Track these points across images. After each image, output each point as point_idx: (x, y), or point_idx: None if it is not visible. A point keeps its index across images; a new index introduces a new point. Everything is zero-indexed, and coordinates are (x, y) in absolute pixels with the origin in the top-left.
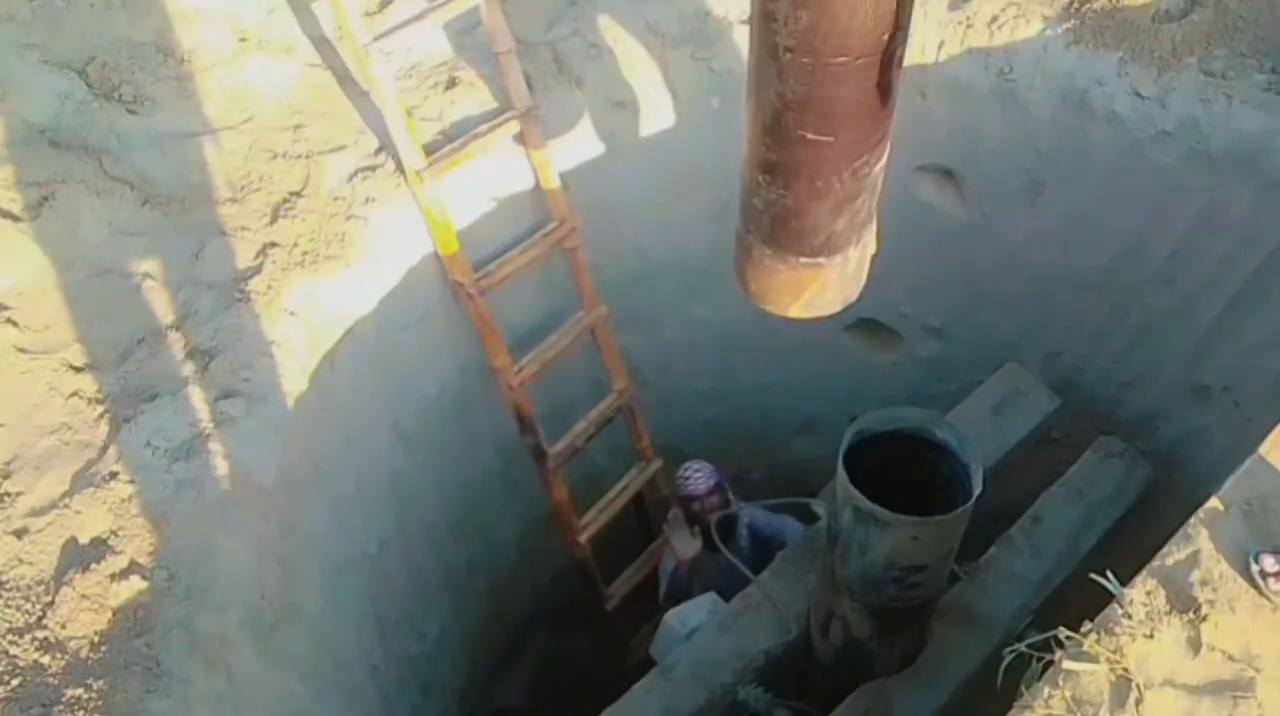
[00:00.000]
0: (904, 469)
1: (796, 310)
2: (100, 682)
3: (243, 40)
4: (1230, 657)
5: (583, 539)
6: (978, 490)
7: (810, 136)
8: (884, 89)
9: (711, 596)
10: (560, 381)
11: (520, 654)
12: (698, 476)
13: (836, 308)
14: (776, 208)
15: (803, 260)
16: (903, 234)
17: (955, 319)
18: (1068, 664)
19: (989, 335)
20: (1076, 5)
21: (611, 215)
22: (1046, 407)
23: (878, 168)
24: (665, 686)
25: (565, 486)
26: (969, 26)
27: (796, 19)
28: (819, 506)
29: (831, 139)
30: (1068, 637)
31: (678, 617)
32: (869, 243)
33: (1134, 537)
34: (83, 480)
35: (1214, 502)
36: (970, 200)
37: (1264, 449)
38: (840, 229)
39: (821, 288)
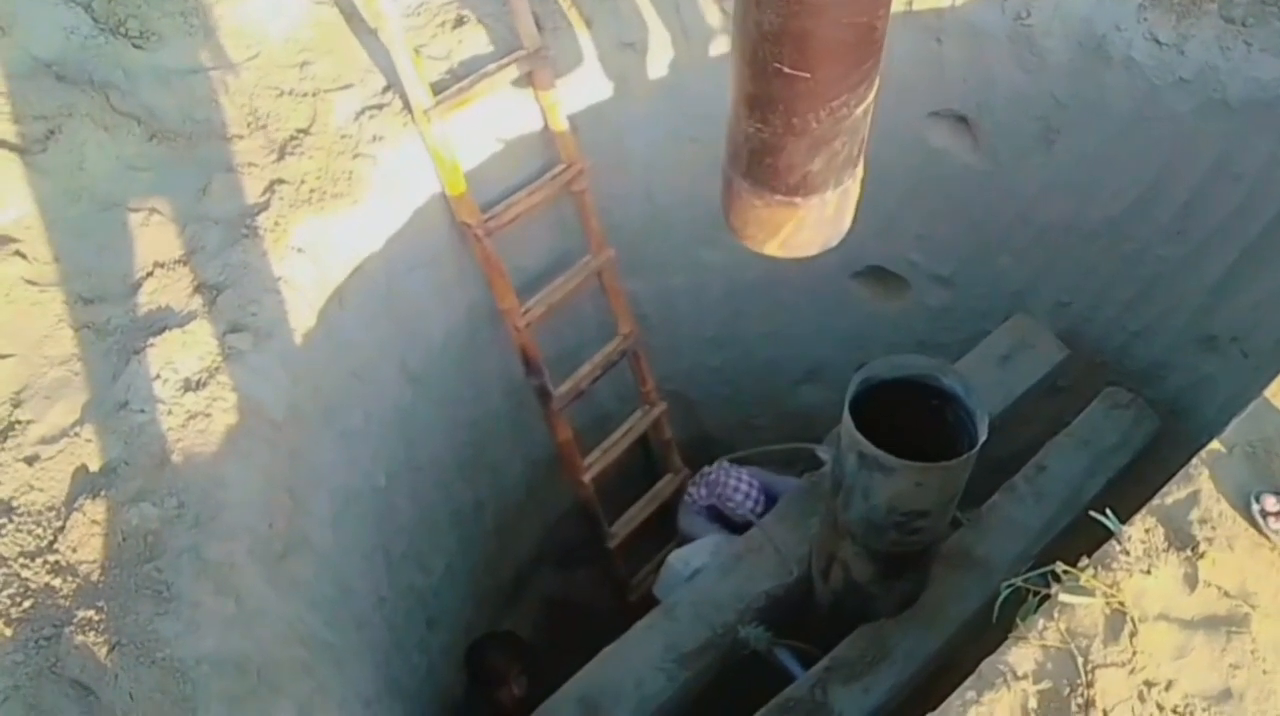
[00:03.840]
0: (910, 415)
1: (773, 248)
2: (110, 605)
3: None
4: (1226, 594)
5: (586, 478)
6: (982, 437)
7: (786, 70)
8: (863, 28)
9: (715, 538)
10: (567, 324)
11: (526, 592)
12: (748, 501)
13: (814, 250)
14: (754, 142)
15: (779, 198)
16: (914, 181)
17: (964, 267)
18: (1064, 596)
19: (998, 284)
20: None
21: (620, 159)
22: (1054, 358)
23: (859, 110)
24: (668, 624)
25: (570, 427)
26: None
27: None
28: (823, 452)
29: (808, 75)
30: (1064, 572)
31: (681, 558)
32: (850, 188)
33: (1138, 486)
34: (93, 410)
35: (1216, 444)
36: (984, 147)
37: (1270, 392)
38: (817, 169)
39: (797, 227)
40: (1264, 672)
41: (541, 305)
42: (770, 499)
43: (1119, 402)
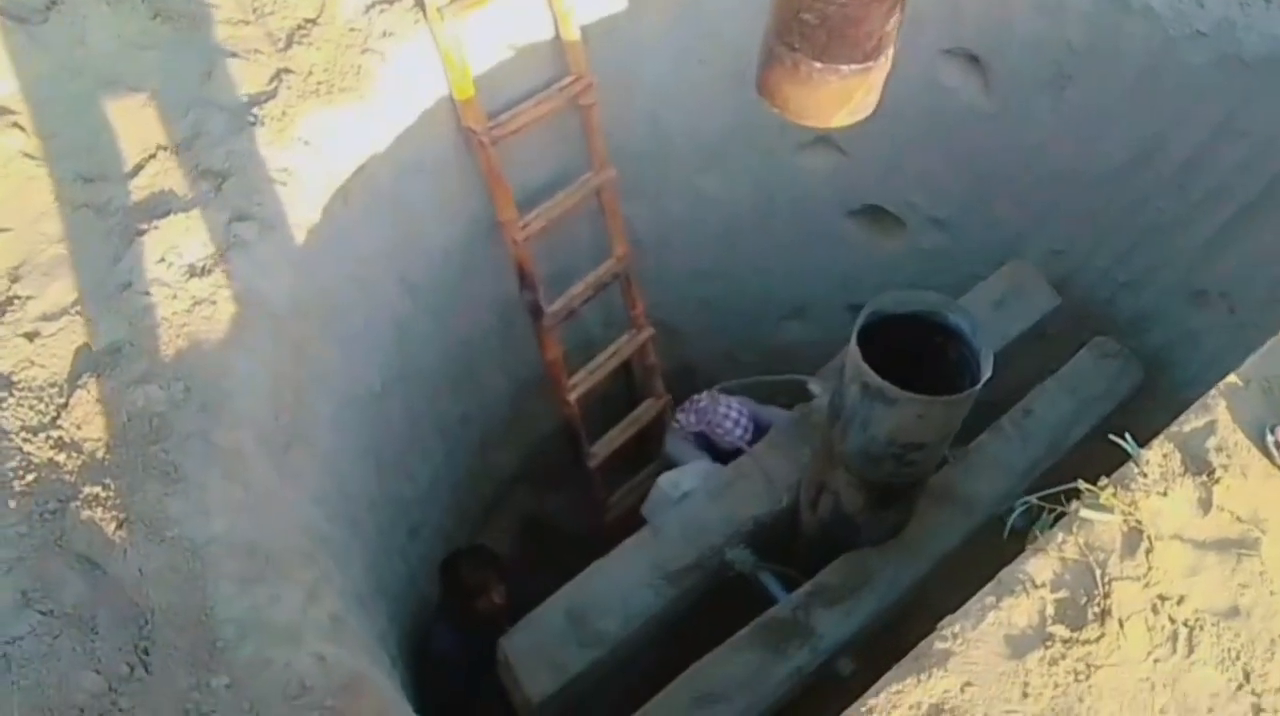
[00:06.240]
0: (912, 351)
1: (842, 117)
2: (117, 482)
3: None
4: (1238, 518)
5: (571, 398)
6: (986, 375)
7: None
8: None
9: (704, 464)
10: (563, 243)
11: (504, 509)
12: (738, 428)
13: (871, 110)
14: (834, 19)
15: (854, 67)
16: (920, 120)
17: (962, 211)
18: (1084, 512)
19: (994, 230)
20: None
21: (628, 77)
22: (1046, 305)
23: None
24: (656, 544)
25: (559, 346)
26: None
27: None
28: (814, 385)
29: None
30: (1086, 489)
31: (671, 481)
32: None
33: (1115, 434)
34: (94, 289)
35: (1233, 378)
36: (994, 89)
37: None
38: (890, 29)
39: (867, 91)
40: (1271, 593)
41: (541, 219)
42: (759, 428)
43: (1107, 352)
